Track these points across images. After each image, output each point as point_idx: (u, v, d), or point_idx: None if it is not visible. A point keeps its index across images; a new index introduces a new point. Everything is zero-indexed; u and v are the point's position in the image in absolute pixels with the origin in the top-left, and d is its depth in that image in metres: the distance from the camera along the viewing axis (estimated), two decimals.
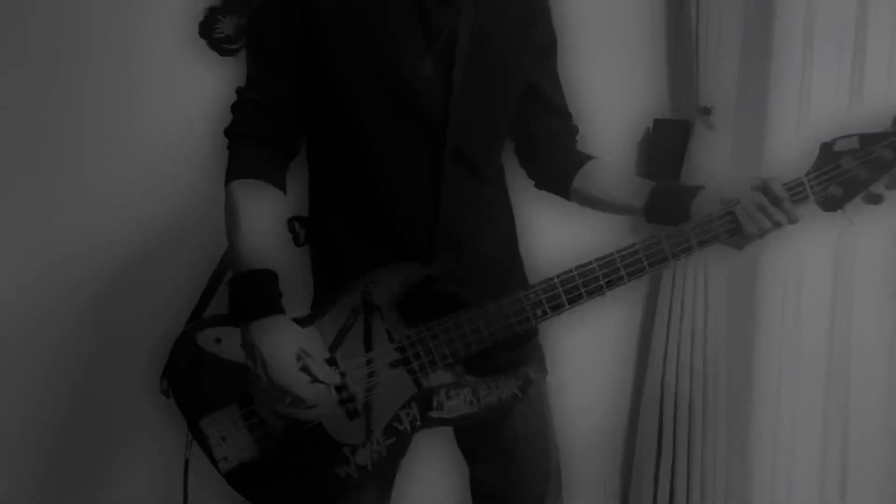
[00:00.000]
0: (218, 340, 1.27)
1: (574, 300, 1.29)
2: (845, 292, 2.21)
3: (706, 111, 2.15)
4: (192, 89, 1.85)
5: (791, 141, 2.16)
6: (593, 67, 1.92)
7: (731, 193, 1.30)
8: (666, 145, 2.24)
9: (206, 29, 1.88)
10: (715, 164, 2.15)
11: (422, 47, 1.26)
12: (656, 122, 2.27)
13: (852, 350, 2.22)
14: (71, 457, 1.95)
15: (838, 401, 2.24)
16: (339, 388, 1.26)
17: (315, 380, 1.22)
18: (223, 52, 1.89)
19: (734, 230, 1.30)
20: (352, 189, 1.31)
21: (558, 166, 1.46)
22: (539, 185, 1.50)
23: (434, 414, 1.31)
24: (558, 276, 1.29)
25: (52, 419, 1.92)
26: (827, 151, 1.31)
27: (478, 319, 1.28)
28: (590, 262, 1.29)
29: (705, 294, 2.21)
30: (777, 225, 1.29)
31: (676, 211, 1.34)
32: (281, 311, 1.23)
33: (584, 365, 2.22)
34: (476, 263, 1.33)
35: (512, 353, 1.35)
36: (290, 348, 1.21)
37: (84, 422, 1.94)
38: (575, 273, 1.28)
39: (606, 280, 1.28)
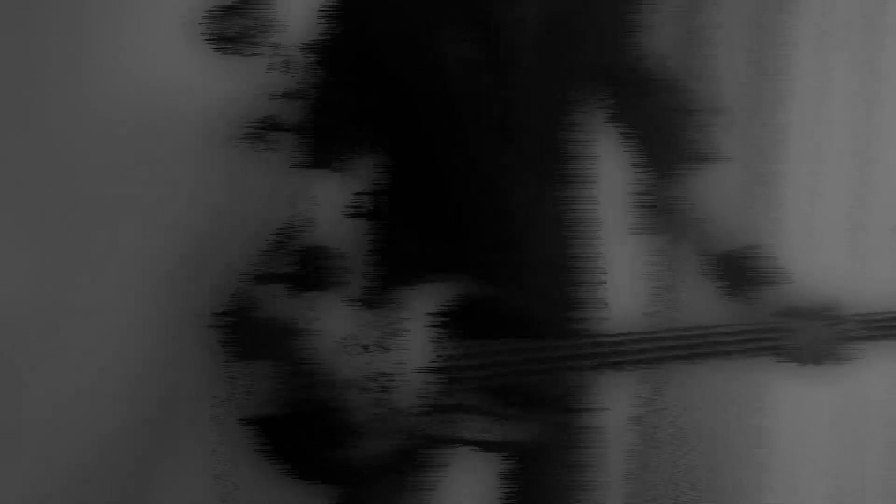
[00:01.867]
0: (273, 296, 1.27)
1: (634, 363, 1.20)
2: None
3: (711, 111, 2.15)
4: (194, 88, 1.86)
5: (801, 144, 2.16)
6: None
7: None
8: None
9: (212, 27, 1.89)
10: (719, 166, 2.15)
11: (466, 30, 1.24)
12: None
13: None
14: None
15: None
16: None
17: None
18: (228, 51, 1.89)
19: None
20: (416, 185, 1.30)
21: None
22: None
23: (449, 433, 1.28)
24: (626, 335, 1.21)
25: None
26: None
27: (519, 354, 1.23)
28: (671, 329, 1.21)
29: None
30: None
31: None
32: None
33: None
34: (539, 278, 1.30)
35: (544, 394, 1.31)
36: None
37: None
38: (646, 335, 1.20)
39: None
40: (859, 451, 2.23)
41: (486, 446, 1.29)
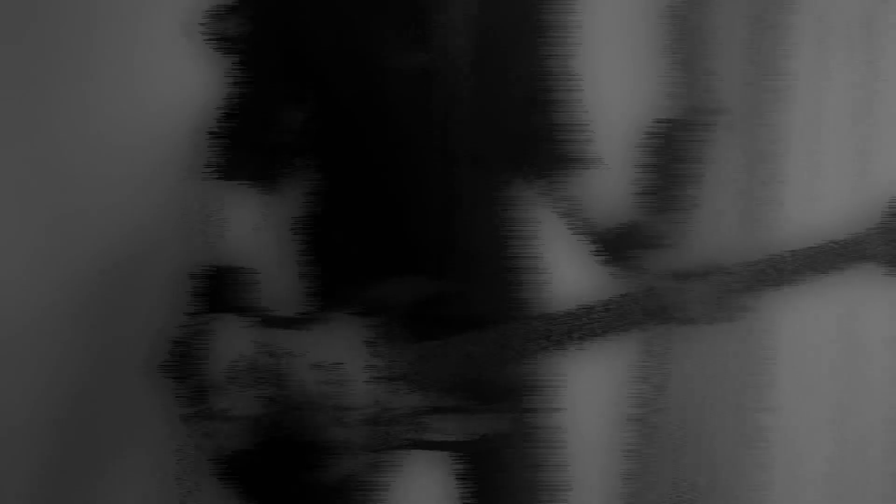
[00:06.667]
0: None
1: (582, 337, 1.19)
2: None
3: (713, 111, 2.16)
4: (194, 89, 1.86)
5: (800, 142, 2.17)
6: (596, 67, 1.92)
7: None
8: (668, 146, 2.24)
9: (210, 27, 1.89)
10: (721, 166, 2.16)
11: (410, 39, 1.23)
12: (658, 122, 2.27)
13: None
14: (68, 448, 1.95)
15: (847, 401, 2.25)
16: None
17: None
18: (226, 52, 1.89)
19: None
20: (360, 192, 1.29)
21: None
22: None
23: (412, 436, 1.25)
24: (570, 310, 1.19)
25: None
26: None
27: (472, 346, 1.21)
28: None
29: None
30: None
31: None
32: None
33: (583, 364, 2.21)
34: (488, 280, 1.30)
35: (501, 387, 1.30)
36: None
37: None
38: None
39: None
40: (860, 449, 2.23)
41: (449, 447, 1.29)
